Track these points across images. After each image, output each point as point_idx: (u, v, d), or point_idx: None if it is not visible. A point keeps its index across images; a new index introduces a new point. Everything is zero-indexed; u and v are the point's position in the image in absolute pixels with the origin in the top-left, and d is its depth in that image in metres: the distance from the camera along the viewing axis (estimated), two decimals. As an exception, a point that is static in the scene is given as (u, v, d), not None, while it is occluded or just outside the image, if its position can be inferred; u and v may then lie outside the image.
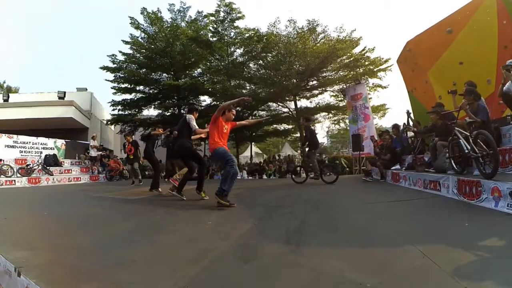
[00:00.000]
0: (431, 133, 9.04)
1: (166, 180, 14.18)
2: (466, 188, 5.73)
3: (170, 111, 25.18)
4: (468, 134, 6.27)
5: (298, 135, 24.70)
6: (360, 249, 3.38)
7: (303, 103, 25.19)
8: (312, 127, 13.47)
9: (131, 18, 22.89)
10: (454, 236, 3.67)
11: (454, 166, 6.83)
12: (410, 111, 11.76)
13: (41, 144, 17.14)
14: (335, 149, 53.27)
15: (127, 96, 24.92)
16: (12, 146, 15.68)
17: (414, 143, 10.68)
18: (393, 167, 10.81)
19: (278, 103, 24.95)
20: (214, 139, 6.68)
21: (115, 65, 23.82)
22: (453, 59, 10.83)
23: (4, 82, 40.19)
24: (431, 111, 8.61)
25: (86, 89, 26.57)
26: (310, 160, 11.64)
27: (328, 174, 12.24)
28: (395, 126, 12.17)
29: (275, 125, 27.56)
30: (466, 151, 6.13)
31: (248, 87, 24.23)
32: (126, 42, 23.53)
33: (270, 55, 22.16)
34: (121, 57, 23.92)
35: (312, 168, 11.69)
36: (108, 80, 24.05)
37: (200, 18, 23.37)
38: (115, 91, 24.35)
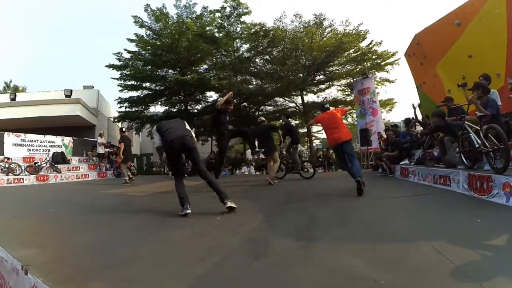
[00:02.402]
0: (434, 133, 8.95)
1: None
2: (477, 183, 5.66)
3: (176, 107, 25.13)
4: (479, 128, 6.18)
5: (306, 130, 24.59)
6: (372, 245, 3.34)
7: (310, 97, 25.02)
8: (293, 124, 13.65)
9: (135, 17, 22.83)
10: (466, 232, 3.62)
11: (464, 160, 6.74)
12: (416, 104, 11.62)
13: (48, 142, 17.20)
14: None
15: (134, 93, 24.86)
16: (20, 145, 15.73)
17: (423, 138, 10.57)
18: (402, 162, 10.73)
19: (285, 98, 24.81)
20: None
21: (121, 62, 23.75)
22: (462, 52, 10.70)
23: (11, 82, 40.29)
24: (437, 107, 8.52)
25: (93, 87, 26.53)
26: (292, 156, 11.79)
27: (306, 170, 12.36)
28: (408, 121, 12.06)
29: (281, 120, 27.38)
30: (477, 145, 6.04)
31: (254, 83, 24.09)
32: (131, 40, 23.45)
33: (276, 50, 21.96)
34: (127, 55, 23.88)
35: (294, 163, 11.97)
36: (114, 78, 24.02)
37: (206, 14, 23.22)
38: (121, 88, 24.31)
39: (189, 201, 5.54)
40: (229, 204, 5.43)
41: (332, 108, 8.46)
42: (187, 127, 6.18)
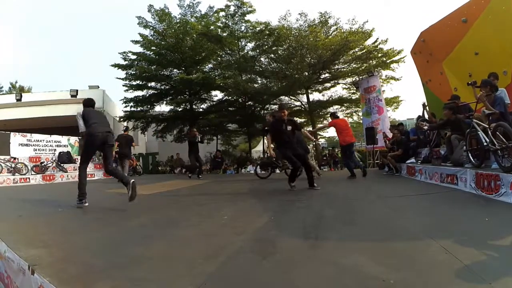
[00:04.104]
0: (445, 128, 8.87)
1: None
2: (484, 182, 5.62)
3: (182, 106, 25.22)
4: (487, 126, 6.14)
5: (311, 128, 24.62)
6: (380, 243, 3.32)
7: (315, 96, 25.06)
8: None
9: (139, 17, 22.84)
10: (474, 231, 3.60)
11: (472, 159, 6.70)
12: (426, 103, 11.56)
13: (54, 141, 17.23)
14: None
15: (139, 93, 24.93)
16: (26, 145, 15.77)
17: (429, 136, 10.52)
18: (408, 161, 10.69)
19: (290, 97, 24.72)
20: None
21: (127, 62, 23.79)
22: (468, 50, 10.62)
23: (16, 82, 40.51)
24: (447, 104, 8.43)
25: (98, 87, 26.63)
26: (277, 154, 12.16)
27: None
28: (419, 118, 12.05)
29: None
30: (485, 143, 6.00)
31: (259, 81, 24.10)
32: (136, 42, 23.54)
33: (281, 48, 21.97)
34: (132, 56, 23.85)
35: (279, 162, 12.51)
36: (120, 78, 24.15)
37: (210, 13, 23.18)
38: (126, 88, 24.44)
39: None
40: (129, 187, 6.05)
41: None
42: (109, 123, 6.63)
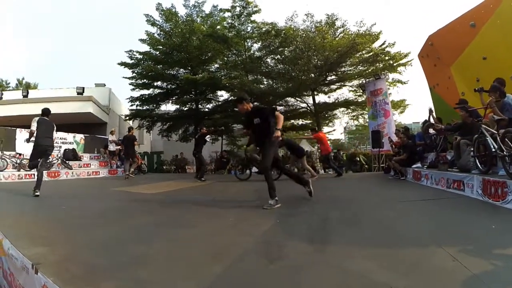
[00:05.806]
0: (458, 131, 8.79)
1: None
2: (491, 188, 5.57)
3: (187, 106, 25.29)
4: (496, 132, 6.08)
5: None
6: (387, 249, 3.29)
7: (321, 98, 25.00)
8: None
9: (147, 15, 22.91)
10: (481, 238, 3.57)
11: (479, 165, 6.64)
12: (433, 108, 11.51)
13: (60, 138, 17.21)
14: (353, 146, 52.77)
15: (145, 92, 25.01)
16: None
17: (436, 141, 10.46)
18: (414, 165, 10.63)
19: (296, 98, 24.67)
20: None
21: (133, 60, 23.88)
22: (476, 54, 10.58)
23: (23, 79, 40.79)
24: (460, 107, 8.34)
25: (105, 85, 26.73)
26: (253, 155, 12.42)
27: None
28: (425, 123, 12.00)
29: (292, 121, 27.21)
30: (493, 150, 5.95)
31: (265, 82, 24.06)
32: (143, 41, 23.61)
33: (287, 49, 21.92)
34: (138, 55, 23.93)
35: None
36: (126, 77, 24.28)
37: (216, 13, 23.28)
38: (133, 87, 24.52)
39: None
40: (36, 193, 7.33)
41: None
42: (54, 134, 8.62)
